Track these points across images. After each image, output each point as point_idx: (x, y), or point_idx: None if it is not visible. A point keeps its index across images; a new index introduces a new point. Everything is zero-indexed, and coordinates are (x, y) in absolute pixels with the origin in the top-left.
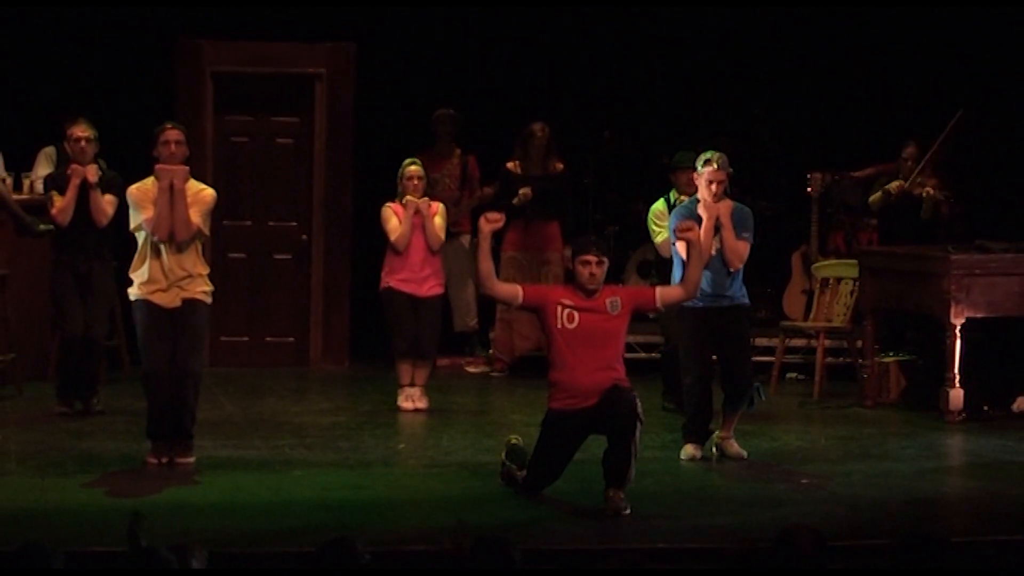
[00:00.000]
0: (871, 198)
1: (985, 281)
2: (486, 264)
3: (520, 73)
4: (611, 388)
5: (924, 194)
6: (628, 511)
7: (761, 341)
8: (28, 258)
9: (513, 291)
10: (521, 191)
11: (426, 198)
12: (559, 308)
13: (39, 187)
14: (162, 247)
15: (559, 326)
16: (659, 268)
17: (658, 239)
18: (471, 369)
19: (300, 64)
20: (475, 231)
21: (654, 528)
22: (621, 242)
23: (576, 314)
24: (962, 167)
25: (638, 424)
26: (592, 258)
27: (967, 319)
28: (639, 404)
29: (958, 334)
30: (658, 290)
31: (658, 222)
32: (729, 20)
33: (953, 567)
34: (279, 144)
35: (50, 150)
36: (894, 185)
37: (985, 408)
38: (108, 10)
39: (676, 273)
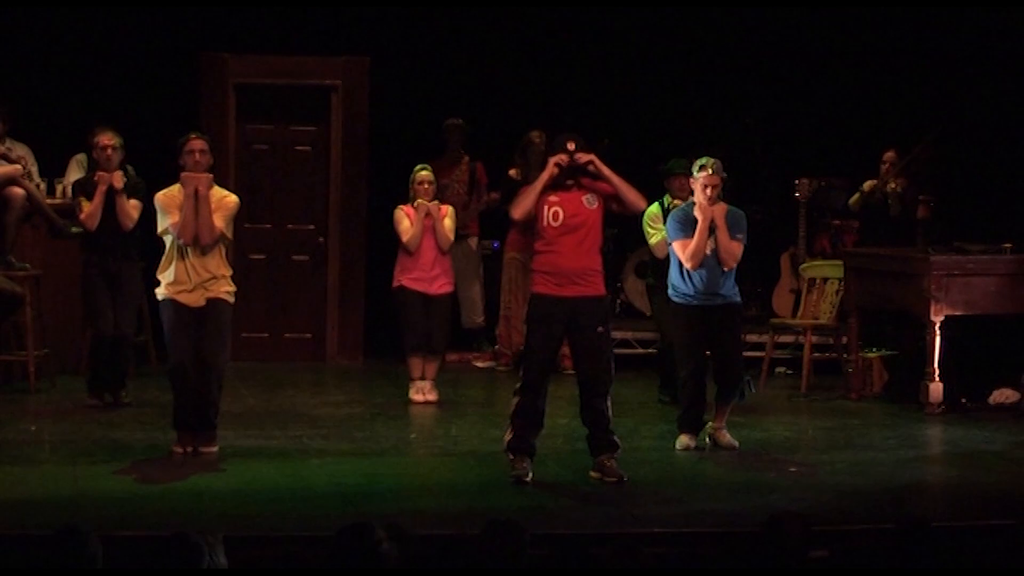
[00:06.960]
0: (851, 200)
1: (963, 281)
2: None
3: (525, 85)
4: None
5: (889, 190)
6: (627, 477)
7: (752, 337)
8: (60, 259)
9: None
10: None
11: (436, 201)
12: (547, 208)
13: (70, 192)
14: (187, 250)
15: (545, 224)
16: (654, 268)
17: (652, 240)
18: (478, 364)
19: (317, 76)
20: (482, 234)
21: (650, 514)
22: (619, 244)
23: (560, 212)
24: (939, 173)
25: (610, 383)
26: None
27: (946, 316)
28: (612, 366)
29: (937, 331)
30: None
31: (653, 225)
32: (724, 35)
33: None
34: (297, 152)
35: (81, 157)
36: (867, 184)
37: (963, 401)
38: (136, 26)
39: (674, 272)
